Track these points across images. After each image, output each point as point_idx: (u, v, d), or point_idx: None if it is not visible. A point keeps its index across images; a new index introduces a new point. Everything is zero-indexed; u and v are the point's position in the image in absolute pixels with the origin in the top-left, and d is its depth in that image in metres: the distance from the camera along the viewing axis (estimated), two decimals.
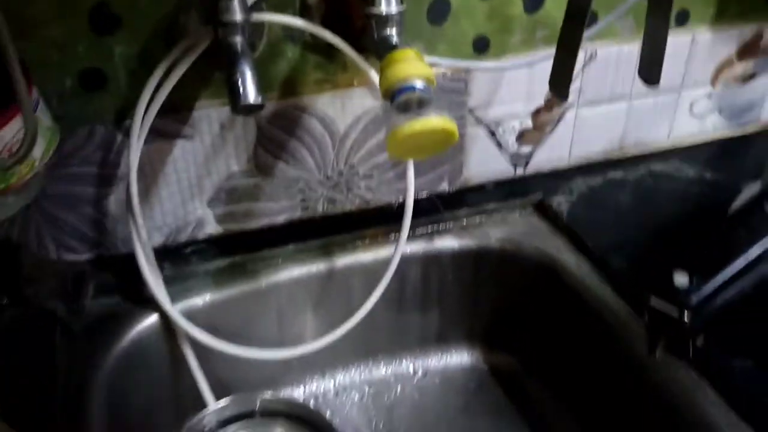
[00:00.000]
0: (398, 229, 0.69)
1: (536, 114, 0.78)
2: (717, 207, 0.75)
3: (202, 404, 0.67)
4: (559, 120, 0.79)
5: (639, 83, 0.61)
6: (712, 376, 0.51)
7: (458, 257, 0.76)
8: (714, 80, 0.85)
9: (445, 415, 0.77)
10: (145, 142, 0.62)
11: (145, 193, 0.66)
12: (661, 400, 0.56)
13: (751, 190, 0.67)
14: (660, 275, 0.51)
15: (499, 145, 0.78)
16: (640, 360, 0.59)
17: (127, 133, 0.61)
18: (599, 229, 0.72)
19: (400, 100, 0.51)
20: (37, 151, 0.54)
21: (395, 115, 0.50)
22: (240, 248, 0.72)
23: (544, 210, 0.78)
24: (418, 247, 0.75)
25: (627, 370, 0.61)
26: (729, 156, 0.87)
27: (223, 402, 0.66)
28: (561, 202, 0.77)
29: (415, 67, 0.52)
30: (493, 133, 0.77)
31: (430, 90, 0.52)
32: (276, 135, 0.69)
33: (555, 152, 0.82)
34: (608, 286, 0.66)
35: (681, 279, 0.48)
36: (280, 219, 0.74)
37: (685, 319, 0.47)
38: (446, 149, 0.52)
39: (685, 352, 0.49)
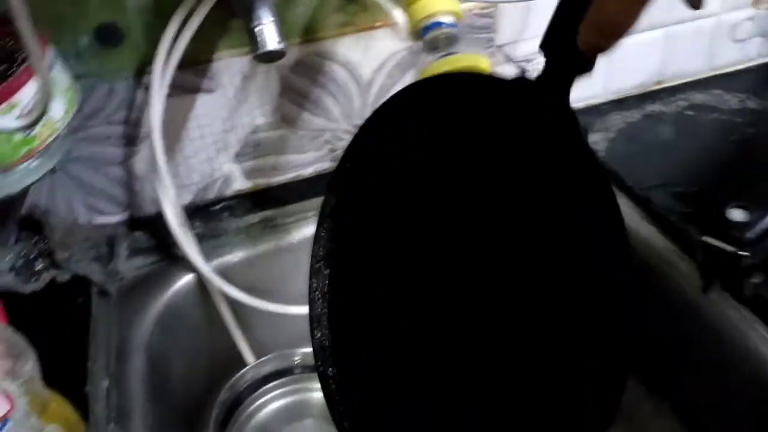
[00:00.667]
0: None
1: None
2: (765, 138, 0.71)
3: (241, 363, 0.67)
4: None
5: (676, 8, 0.57)
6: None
7: None
8: (756, 1, 0.80)
9: None
10: (166, 97, 0.60)
11: (170, 150, 0.65)
12: (712, 341, 0.54)
13: None
14: (711, 211, 0.49)
15: None
16: (690, 301, 0.57)
17: (147, 90, 0.60)
18: (640, 166, 0.69)
19: (427, 38, 0.49)
20: (57, 112, 0.53)
21: (424, 54, 0.47)
22: (269, 203, 0.71)
23: None
24: None
25: (677, 311, 0.59)
26: None
27: (262, 359, 0.66)
28: (597, 140, 0.74)
29: (441, 2, 0.49)
30: (523, 71, 0.74)
31: (457, 26, 0.49)
32: (300, 84, 0.66)
33: (589, 87, 0.79)
34: (653, 226, 0.63)
35: (737, 213, 0.45)
36: (308, 171, 0.73)
37: (742, 256, 0.44)
38: None
39: (741, 290, 0.47)
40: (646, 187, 0.66)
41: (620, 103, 0.80)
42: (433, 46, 0.48)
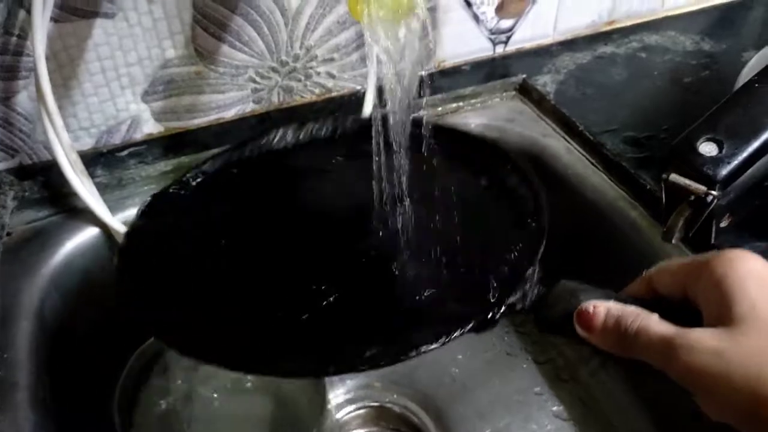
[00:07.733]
0: None
1: None
2: (720, 80, 0.67)
3: None
4: None
5: None
6: None
7: None
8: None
9: None
10: (57, 21, 0.52)
11: (65, 86, 0.56)
12: None
13: (758, 60, 0.59)
14: (670, 153, 0.44)
15: (476, 18, 0.69)
16: (644, 251, 0.52)
17: (29, 10, 0.50)
18: (591, 110, 0.64)
19: None
20: None
21: None
22: (185, 149, 0.63)
23: (528, 92, 0.70)
24: None
25: (629, 263, 0.55)
26: (728, 24, 0.78)
27: None
28: (546, 82, 0.69)
29: None
30: (469, 5, 0.67)
31: None
32: (216, 12, 0.58)
33: (538, 27, 0.73)
34: (604, 173, 0.59)
35: (707, 147, 0.40)
36: (230, 113, 0.65)
37: (712, 195, 0.39)
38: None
39: (707, 236, 0.42)
40: (597, 131, 0.61)
41: (570, 44, 0.75)
42: None
